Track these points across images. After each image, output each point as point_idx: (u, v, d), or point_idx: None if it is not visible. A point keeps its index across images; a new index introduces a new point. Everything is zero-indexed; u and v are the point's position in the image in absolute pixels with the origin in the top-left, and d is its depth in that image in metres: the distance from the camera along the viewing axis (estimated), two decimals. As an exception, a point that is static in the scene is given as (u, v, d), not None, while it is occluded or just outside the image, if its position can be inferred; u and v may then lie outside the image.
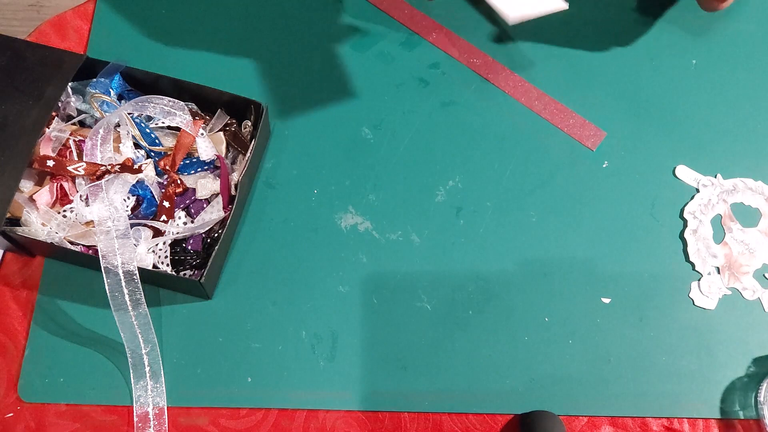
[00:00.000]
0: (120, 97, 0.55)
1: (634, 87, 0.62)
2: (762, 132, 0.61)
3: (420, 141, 0.59)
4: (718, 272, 0.56)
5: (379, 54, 0.62)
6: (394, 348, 0.53)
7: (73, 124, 0.54)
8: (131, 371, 0.49)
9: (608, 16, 0.65)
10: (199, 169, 0.54)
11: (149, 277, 0.50)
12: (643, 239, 0.57)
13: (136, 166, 0.51)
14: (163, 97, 0.53)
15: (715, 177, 0.59)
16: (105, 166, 0.51)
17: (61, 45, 0.61)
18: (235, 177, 0.53)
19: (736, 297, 0.55)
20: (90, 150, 0.52)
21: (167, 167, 0.53)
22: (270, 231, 0.56)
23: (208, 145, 0.53)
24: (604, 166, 0.59)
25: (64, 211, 0.51)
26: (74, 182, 0.52)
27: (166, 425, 0.49)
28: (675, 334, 0.54)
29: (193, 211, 0.53)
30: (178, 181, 0.53)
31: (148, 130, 0.53)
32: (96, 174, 0.50)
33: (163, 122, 0.53)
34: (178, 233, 0.51)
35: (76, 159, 0.52)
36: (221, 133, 0.55)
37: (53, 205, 0.51)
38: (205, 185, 0.53)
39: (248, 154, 0.52)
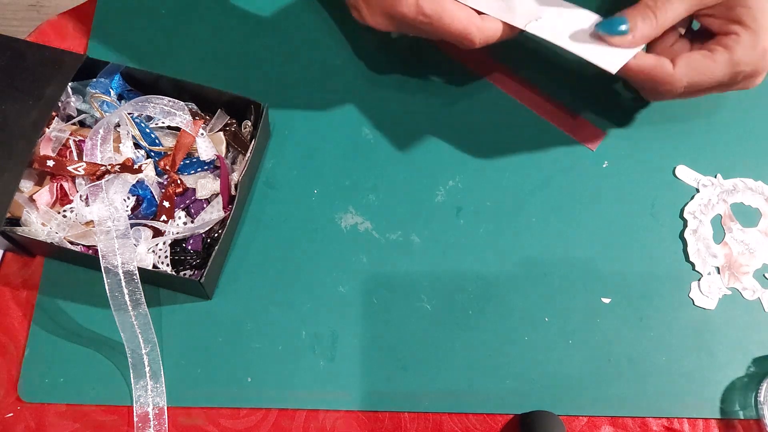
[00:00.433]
0: (120, 97, 0.55)
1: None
2: (762, 132, 0.61)
3: (420, 141, 0.59)
4: (718, 272, 0.56)
5: (380, 54, 0.62)
6: (394, 348, 0.53)
7: (73, 124, 0.54)
8: (131, 371, 0.49)
9: (608, 15, 0.65)
10: (199, 169, 0.54)
11: (149, 277, 0.50)
12: (643, 239, 0.57)
13: (136, 166, 0.51)
14: (163, 97, 0.53)
15: (715, 177, 0.59)
16: (105, 166, 0.51)
17: (61, 45, 0.61)
18: (235, 177, 0.53)
19: (736, 297, 0.55)
20: (90, 150, 0.52)
21: (167, 167, 0.53)
22: (270, 231, 0.56)
23: (208, 145, 0.53)
24: (604, 166, 0.59)
25: (64, 211, 0.51)
26: (74, 182, 0.52)
27: (166, 425, 0.49)
28: (675, 334, 0.54)
29: (193, 211, 0.53)
30: (178, 181, 0.53)
31: (148, 130, 0.53)
32: (96, 174, 0.50)
33: (163, 122, 0.53)
34: (178, 233, 0.51)
35: (76, 159, 0.52)
36: (221, 133, 0.55)
37: (53, 205, 0.51)
38: (205, 185, 0.53)
39: (248, 154, 0.52)
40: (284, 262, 0.55)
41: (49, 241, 0.49)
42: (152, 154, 0.53)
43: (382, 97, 0.61)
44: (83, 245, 0.50)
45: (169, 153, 0.53)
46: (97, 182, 0.50)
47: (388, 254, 0.55)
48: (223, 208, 0.52)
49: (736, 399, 0.52)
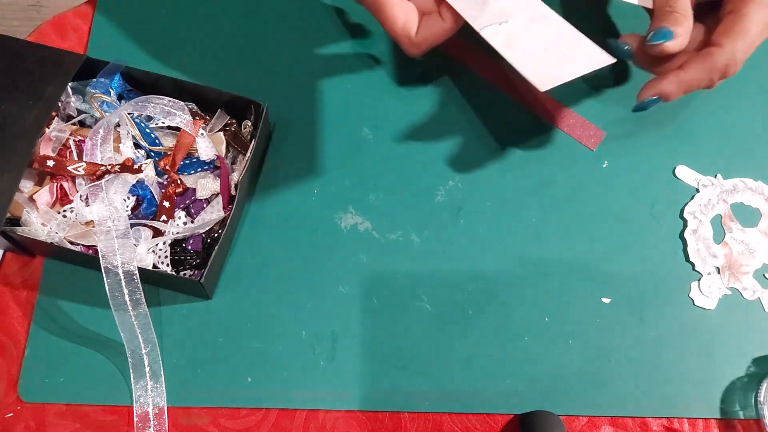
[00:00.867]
0: (120, 97, 0.55)
1: (634, 87, 0.62)
2: (762, 132, 0.61)
3: (420, 141, 0.59)
4: (718, 272, 0.56)
5: (380, 54, 0.62)
6: (394, 348, 0.53)
7: (73, 124, 0.54)
8: (131, 371, 0.49)
9: (608, 16, 0.65)
10: (199, 169, 0.54)
11: (149, 277, 0.50)
12: (643, 239, 0.57)
13: (136, 166, 0.51)
14: (163, 97, 0.53)
15: (715, 177, 0.59)
16: (105, 166, 0.51)
17: (61, 45, 0.61)
18: (235, 177, 0.53)
19: (736, 297, 0.55)
20: (90, 150, 0.52)
21: (167, 167, 0.53)
22: (270, 231, 0.56)
23: (208, 145, 0.53)
24: (604, 166, 0.59)
25: (64, 211, 0.51)
26: (74, 182, 0.52)
27: (166, 425, 0.49)
28: (675, 334, 0.54)
29: (193, 211, 0.53)
30: (178, 181, 0.53)
31: (148, 130, 0.53)
32: (96, 174, 0.50)
33: (163, 122, 0.53)
34: (178, 233, 0.51)
35: (76, 159, 0.52)
36: (221, 133, 0.55)
37: (53, 205, 0.51)
38: (205, 185, 0.53)
39: (248, 154, 0.52)
40: (284, 262, 0.55)
41: (49, 241, 0.49)
42: (152, 154, 0.53)
43: (382, 97, 0.61)
44: (83, 245, 0.50)
45: (169, 153, 0.53)
46: (97, 182, 0.50)
47: (388, 254, 0.55)
48: (223, 208, 0.52)
49: (736, 399, 0.52)
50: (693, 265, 0.56)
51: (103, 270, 0.48)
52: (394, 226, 0.56)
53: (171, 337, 0.52)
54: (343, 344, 0.52)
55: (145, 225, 0.51)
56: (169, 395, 0.50)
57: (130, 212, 0.52)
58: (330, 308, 0.53)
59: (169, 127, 0.55)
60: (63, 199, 0.52)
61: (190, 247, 0.52)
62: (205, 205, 0.53)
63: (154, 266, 0.51)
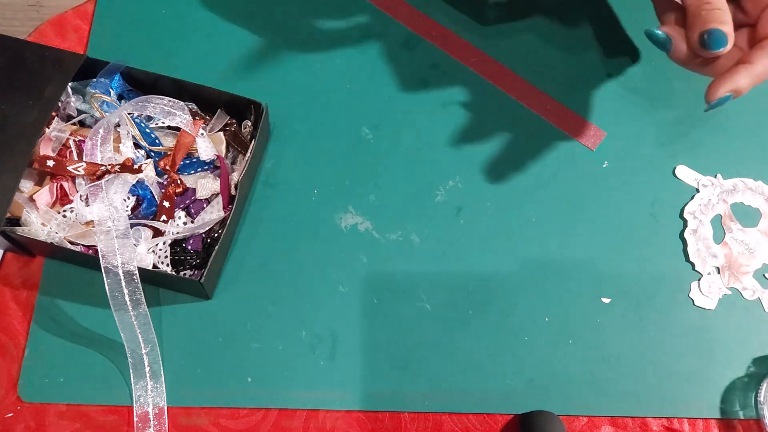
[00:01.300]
0: (120, 97, 0.55)
1: (634, 87, 0.62)
2: (762, 132, 0.61)
3: (420, 141, 0.59)
4: (718, 272, 0.56)
5: (379, 54, 0.62)
6: (394, 348, 0.53)
7: (73, 124, 0.54)
8: (131, 371, 0.49)
9: (608, 15, 0.65)
10: (199, 169, 0.54)
11: (149, 277, 0.50)
12: (643, 239, 0.57)
13: (136, 166, 0.51)
14: (163, 97, 0.53)
15: (715, 177, 0.59)
16: (105, 166, 0.51)
17: (61, 45, 0.61)
18: (235, 177, 0.53)
19: (736, 297, 0.55)
20: (90, 150, 0.52)
21: (167, 167, 0.53)
22: (270, 231, 0.56)
23: (208, 145, 0.53)
24: (604, 166, 0.59)
25: (64, 211, 0.51)
26: (74, 182, 0.52)
27: (166, 425, 0.49)
28: (675, 334, 0.54)
29: (193, 211, 0.53)
30: (178, 181, 0.53)
31: (148, 130, 0.53)
32: (96, 174, 0.50)
33: (163, 122, 0.53)
34: (178, 233, 0.51)
35: (76, 159, 0.52)
36: (221, 133, 0.55)
37: (53, 205, 0.51)
38: (205, 185, 0.53)
39: (248, 154, 0.52)
40: (284, 262, 0.55)
41: (49, 241, 0.49)
42: (152, 154, 0.53)
43: (382, 97, 0.61)
44: (83, 245, 0.50)
45: (169, 153, 0.53)
46: (97, 182, 0.50)
47: (388, 254, 0.55)
48: (223, 208, 0.52)
49: (736, 399, 0.52)
50: (693, 265, 0.56)
51: (103, 270, 0.48)
52: (394, 226, 0.56)
53: (171, 337, 0.52)
54: (343, 344, 0.52)
55: (145, 225, 0.51)
56: (169, 395, 0.50)
57: (130, 212, 0.52)
58: (330, 308, 0.53)
59: (169, 127, 0.54)
60: (63, 199, 0.52)
61: (190, 247, 0.52)
62: (205, 205, 0.53)
63: (154, 266, 0.51)
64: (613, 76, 0.63)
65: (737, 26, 0.48)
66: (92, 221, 0.50)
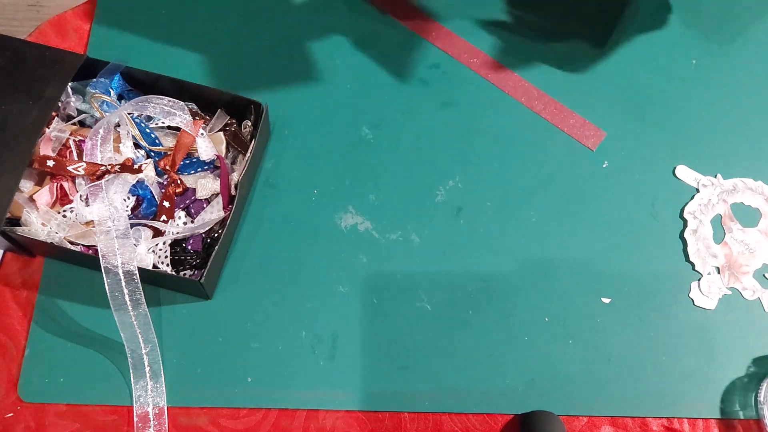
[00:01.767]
0: (120, 97, 0.55)
1: (634, 87, 0.62)
2: (762, 132, 0.61)
3: (420, 141, 0.59)
4: (718, 272, 0.56)
5: (380, 54, 0.62)
6: (394, 348, 0.53)
7: (73, 124, 0.54)
8: (131, 371, 0.49)
9: (608, 15, 0.65)
10: (199, 169, 0.54)
11: (149, 277, 0.50)
12: (643, 239, 0.57)
13: (136, 166, 0.51)
14: (163, 97, 0.53)
15: (715, 177, 0.59)
16: (105, 166, 0.51)
17: (61, 45, 0.61)
18: (235, 177, 0.53)
19: (736, 297, 0.55)
20: (90, 150, 0.52)
21: (167, 167, 0.53)
22: (270, 231, 0.56)
23: (208, 145, 0.53)
24: (604, 166, 0.59)
25: (64, 211, 0.51)
26: (74, 182, 0.52)
27: (166, 425, 0.49)
28: (675, 334, 0.54)
29: (193, 211, 0.53)
30: (178, 181, 0.53)
31: (148, 130, 0.53)
32: (96, 174, 0.50)
33: (163, 122, 0.53)
34: (178, 233, 0.51)
35: (76, 159, 0.52)
36: (221, 133, 0.55)
37: (53, 205, 0.51)
38: (205, 185, 0.53)
39: (248, 154, 0.52)
40: (284, 262, 0.55)
41: (49, 241, 0.49)
42: (152, 154, 0.53)
43: (382, 97, 0.61)
44: (83, 245, 0.50)
45: (169, 153, 0.53)
46: (97, 182, 0.50)
47: (388, 254, 0.55)
48: (223, 208, 0.52)
49: (736, 399, 0.52)
50: (693, 265, 0.56)
51: (103, 270, 0.48)
52: (394, 226, 0.56)
53: (171, 337, 0.52)
54: (343, 344, 0.52)
55: (145, 225, 0.51)
56: (169, 395, 0.50)
57: (130, 212, 0.52)
58: (330, 308, 0.53)
59: (169, 127, 0.54)
60: (63, 199, 0.52)
61: (190, 247, 0.52)
62: (205, 205, 0.53)
63: (154, 266, 0.51)
64: (613, 76, 0.63)
65: None
66: (92, 221, 0.50)
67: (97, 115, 0.54)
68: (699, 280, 0.55)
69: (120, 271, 0.48)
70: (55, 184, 0.51)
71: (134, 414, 0.49)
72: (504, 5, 0.65)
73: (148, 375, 0.50)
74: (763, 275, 0.56)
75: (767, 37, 0.65)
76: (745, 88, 0.62)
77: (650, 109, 0.61)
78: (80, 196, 0.51)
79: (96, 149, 0.52)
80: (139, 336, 0.49)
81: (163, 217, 0.51)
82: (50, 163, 0.50)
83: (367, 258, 0.55)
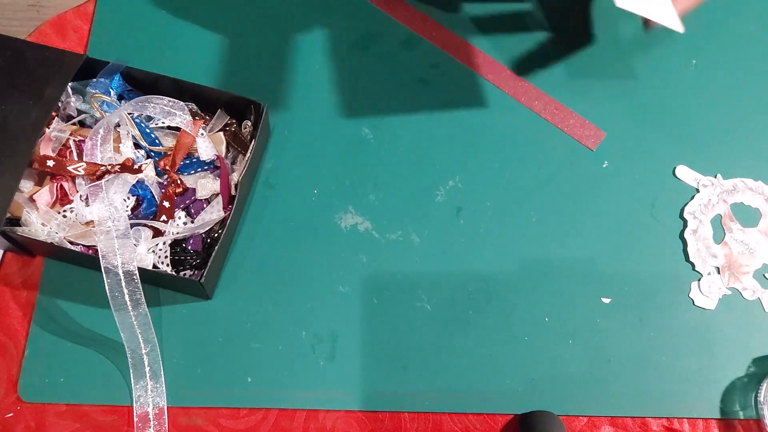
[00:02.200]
0: (120, 97, 0.55)
1: (634, 87, 0.62)
2: (762, 132, 0.61)
3: (420, 141, 0.59)
4: (718, 272, 0.56)
5: (379, 54, 0.62)
6: (394, 348, 0.53)
7: (73, 124, 0.54)
8: (131, 371, 0.49)
9: (608, 16, 0.65)
10: (199, 169, 0.54)
11: (149, 277, 0.50)
12: (643, 239, 0.57)
13: (136, 166, 0.51)
14: (163, 97, 0.53)
15: (715, 177, 0.59)
16: (105, 166, 0.51)
17: (61, 45, 0.61)
18: (235, 177, 0.53)
19: (736, 297, 0.55)
20: (90, 150, 0.52)
21: (167, 167, 0.53)
22: (270, 231, 0.56)
23: (208, 145, 0.53)
24: (604, 166, 0.59)
25: (64, 211, 0.51)
26: (74, 182, 0.52)
27: (166, 425, 0.49)
28: (675, 334, 0.54)
29: (193, 211, 0.53)
30: (178, 181, 0.53)
31: (148, 130, 0.53)
32: (96, 174, 0.50)
33: (163, 122, 0.53)
34: (178, 233, 0.51)
35: (76, 159, 0.52)
36: (221, 133, 0.55)
37: (53, 205, 0.51)
38: (205, 185, 0.53)
39: (248, 154, 0.52)
40: (284, 262, 0.55)
41: (49, 241, 0.49)
42: (152, 154, 0.53)
43: (382, 97, 0.61)
44: (83, 245, 0.50)
45: (169, 153, 0.53)
46: (97, 182, 0.50)
47: (388, 254, 0.55)
48: (223, 208, 0.52)
49: (736, 399, 0.52)
50: (693, 265, 0.56)
51: (103, 270, 0.48)
52: (394, 226, 0.56)
53: (171, 337, 0.52)
54: (343, 344, 0.52)
55: (145, 225, 0.51)
56: (169, 395, 0.50)
57: (130, 212, 0.52)
58: (330, 308, 0.53)
59: (169, 127, 0.54)
60: (63, 199, 0.52)
61: (190, 247, 0.52)
62: (205, 205, 0.53)
63: (154, 266, 0.51)
64: (613, 76, 0.63)
65: None
66: (92, 221, 0.50)
67: (97, 115, 0.54)
68: (699, 280, 0.55)
69: (120, 271, 0.48)
70: (55, 184, 0.51)
71: (134, 414, 0.49)
72: (504, 5, 0.65)
73: (148, 375, 0.50)
74: (763, 275, 0.56)
75: (767, 37, 0.65)
76: (745, 88, 0.62)
77: (650, 109, 0.61)
78: (80, 196, 0.51)
79: (96, 149, 0.52)
80: (139, 336, 0.49)
81: (163, 217, 0.51)
82: (50, 163, 0.50)
83: (367, 258, 0.55)
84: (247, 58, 0.61)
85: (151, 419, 0.49)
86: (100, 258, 0.48)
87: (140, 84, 0.56)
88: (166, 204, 0.51)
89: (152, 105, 0.53)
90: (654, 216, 0.58)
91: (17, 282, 0.53)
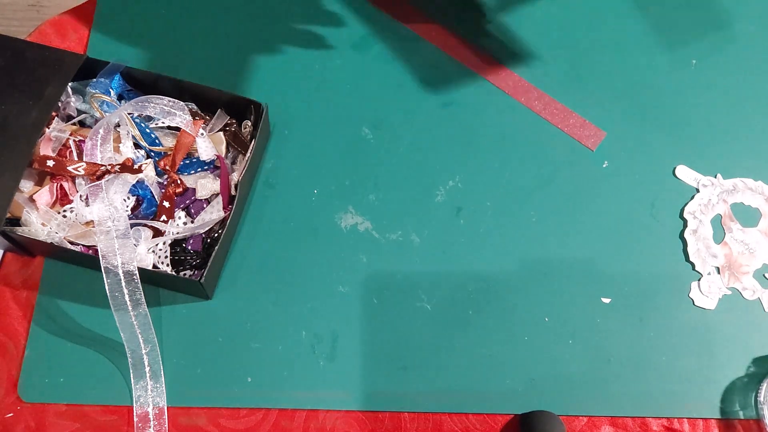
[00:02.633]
0: (120, 97, 0.55)
1: (634, 87, 0.62)
2: (762, 132, 0.61)
3: (420, 141, 0.59)
4: (718, 272, 0.56)
5: (379, 54, 0.62)
6: (394, 348, 0.53)
7: (73, 124, 0.54)
8: (131, 371, 0.49)
9: (608, 15, 0.65)
10: (199, 169, 0.54)
11: (149, 277, 0.50)
12: (643, 239, 0.57)
13: (136, 166, 0.51)
14: (163, 97, 0.53)
15: (715, 177, 0.59)
16: (105, 166, 0.51)
17: (61, 45, 0.61)
18: (235, 177, 0.53)
19: (736, 297, 0.55)
20: (90, 150, 0.52)
21: (167, 167, 0.53)
22: (270, 231, 0.56)
23: (208, 145, 0.53)
24: (604, 166, 0.59)
25: (64, 211, 0.51)
26: (74, 182, 0.52)
27: (166, 425, 0.49)
28: (675, 334, 0.54)
29: (193, 211, 0.53)
30: (178, 181, 0.53)
31: (148, 130, 0.53)
32: (96, 174, 0.50)
33: (163, 122, 0.53)
34: (178, 233, 0.51)
35: (76, 159, 0.52)
36: (221, 133, 0.55)
37: (53, 205, 0.51)
38: (205, 185, 0.53)
39: (248, 154, 0.52)
40: (284, 262, 0.55)
41: (49, 241, 0.49)
42: (152, 154, 0.53)
43: (382, 97, 0.61)
44: (83, 245, 0.50)
45: (169, 153, 0.53)
46: (97, 182, 0.50)
47: (388, 254, 0.55)
48: (223, 208, 0.52)
49: (736, 399, 0.52)
50: (693, 265, 0.56)
51: (103, 270, 0.48)
52: (394, 226, 0.56)
53: (171, 337, 0.52)
54: (343, 344, 0.52)
55: (145, 225, 0.51)
56: (169, 395, 0.50)
57: (130, 212, 0.52)
58: (330, 308, 0.53)
59: (169, 127, 0.54)
60: (63, 199, 0.52)
61: (190, 247, 0.52)
62: (205, 205, 0.53)
63: (154, 266, 0.51)
64: (613, 76, 0.63)
65: None
66: (92, 221, 0.50)
67: (97, 115, 0.54)
68: (699, 280, 0.55)
69: (120, 271, 0.48)
70: (55, 184, 0.51)
71: (134, 414, 0.49)
72: (504, 5, 0.65)
73: (148, 375, 0.50)
74: (763, 275, 0.56)
75: (767, 37, 0.65)
76: (745, 87, 0.62)
77: (650, 109, 0.61)
78: (80, 196, 0.51)
79: (96, 149, 0.52)
80: (139, 336, 0.49)
81: (163, 217, 0.51)
82: (50, 163, 0.50)
83: (367, 258, 0.55)
84: (247, 58, 0.61)
85: (151, 419, 0.49)
86: (100, 258, 0.48)
87: (140, 84, 0.56)
88: (166, 204, 0.51)
89: (152, 105, 0.53)
90: (654, 216, 0.58)
91: (17, 282, 0.53)
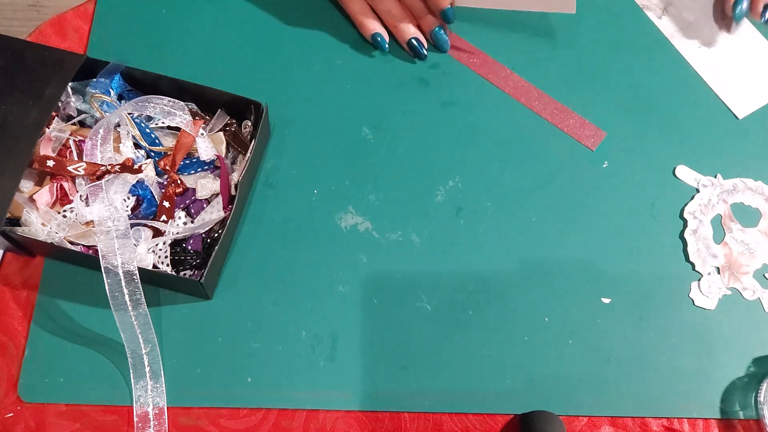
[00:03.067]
0: (120, 97, 0.55)
1: (634, 87, 0.62)
2: (762, 132, 0.61)
3: (420, 141, 0.59)
4: (718, 272, 0.56)
5: (380, 54, 0.62)
6: (394, 348, 0.53)
7: (73, 124, 0.54)
8: (131, 371, 0.49)
9: (608, 15, 0.65)
10: (199, 169, 0.54)
11: (149, 277, 0.50)
12: (643, 239, 0.57)
13: (136, 166, 0.51)
14: (163, 97, 0.53)
15: (715, 177, 0.59)
16: (105, 166, 0.51)
17: (61, 45, 0.61)
18: (235, 177, 0.53)
19: (736, 297, 0.55)
20: (90, 150, 0.52)
21: (167, 167, 0.53)
22: (270, 231, 0.56)
23: (208, 145, 0.53)
24: (604, 166, 0.59)
25: (64, 211, 0.51)
26: (74, 182, 0.52)
27: (166, 425, 0.49)
28: (675, 334, 0.54)
29: (193, 211, 0.53)
30: (178, 181, 0.53)
31: (148, 130, 0.53)
32: (96, 174, 0.50)
33: (163, 122, 0.53)
34: (178, 233, 0.51)
35: (76, 159, 0.52)
36: (221, 133, 0.55)
37: (53, 205, 0.51)
38: (205, 185, 0.53)
39: (248, 154, 0.52)
40: (284, 262, 0.55)
41: (49, 241, 0.49)
42: (152, 154, 0.53)
43: (382, 97, 0.61)
44: (83, 245, 0.50)
45: (169, 153, 0.53)
46: (97, 182, 0.50)
47: (388, 254, 0.55)
48: (223, 208, 0.52)
49: (736, 399, 0.52)
50: (693, 265, 0.56)
51: (103, 270, 0.48)
52: (394, 226, 0.56)
53: (171, 337, 0.52)
54: (343, 344, 0.52)
55: (145, 225, 0.51)
56: (169, 395, 0.50)
57: (130, 212, 0.52)
58: (330, 308, 0.53)
59: (169, 127, 0.55)
60: (63, 199, 0.52)
61: (190, 247, 0.52)
62: (205, 205, 0.53)
63: (154, 266, 0.51)
64: (613, 75, 0.63)
65: None
66: (92, 221, 0.50)
67: (97, 115, 0.54)
68: (699, 280, 0.55)
69: (120, 271, 0.48)
70: (55, 184, 0.51)
71: (134, 414, 0.49)
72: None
73: (148, 375, 0.50)
74: (763, 275, 0.56)
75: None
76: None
77: (650, 109, 0.61)
78: (80, 196, 0.51)
79: (96, 149, 0.52)
80: (139, 336, 0.49)
81: (163, 217, 0.51)
82: (50, 163, 0.50)
83: (367, 258, 0.55)
84: (247, 58, 0.61)
85: (151, 419, 0.49)
86: (100, 258, 0.48)
87: (140, 84, 0.56)
88: (166, 204, 0.51)
89: (152, 105, 0.53)
90: (654, 216, 0.58)
91: (17, 282, 0.53)
